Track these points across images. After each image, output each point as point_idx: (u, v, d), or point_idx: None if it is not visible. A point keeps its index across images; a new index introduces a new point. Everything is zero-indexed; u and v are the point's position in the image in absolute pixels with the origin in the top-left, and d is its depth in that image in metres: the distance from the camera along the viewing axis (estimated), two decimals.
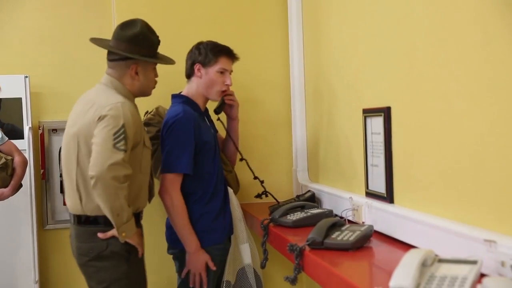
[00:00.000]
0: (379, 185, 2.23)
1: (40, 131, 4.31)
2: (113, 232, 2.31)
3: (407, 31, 2.02)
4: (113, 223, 2.26)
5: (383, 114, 2.17)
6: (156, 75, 2.55)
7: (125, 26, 2.45)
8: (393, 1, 2.12)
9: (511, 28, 1.47)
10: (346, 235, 1.97)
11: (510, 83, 1.48)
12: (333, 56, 2.81)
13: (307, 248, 1.96)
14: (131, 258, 2.39)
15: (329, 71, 2.86)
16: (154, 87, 2.57)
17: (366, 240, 2.01)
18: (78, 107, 2.43)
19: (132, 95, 2.47)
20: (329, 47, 2.86)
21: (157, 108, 2.90)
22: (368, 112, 2.32)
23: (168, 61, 2.58)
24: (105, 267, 2.36)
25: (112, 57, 2.46)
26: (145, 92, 2.53)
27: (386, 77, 2.20)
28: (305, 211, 2.55)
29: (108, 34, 2.68)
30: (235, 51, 2.78)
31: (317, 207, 2.66)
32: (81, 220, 2.39)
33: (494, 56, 1.54)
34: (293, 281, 1.98)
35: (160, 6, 3.29)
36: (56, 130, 4.35)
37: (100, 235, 2.34)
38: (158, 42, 2.53)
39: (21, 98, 4.14)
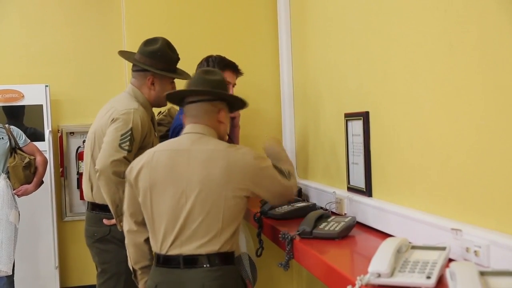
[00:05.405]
0: (359, 181, 2.23)
1: (59, 134, 4.30)
2: (115, 220, 2.32)
3: (382, 46, 2.02)
4: (112, 213, 2.27)
5: (362, 118, 2.17)
6: (173, 89, 2.46)
7: (148, 42, 2.44)
8: (370, 21, 2.12)
9: (472, 41, 1.48)
10: (332, 226, 1.96)
11: (470, 91, 1.49)
12: (318, 67, 2.81)
13: (297, 238, 1.94)
14: None
15: (315, 80, 2.86)
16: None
17: (350, 230, 1.99)
18: (102, 110, 2.46)
19: (149, 103, 2.46)
20: (315, 59, 2.86)
21: (169, 110, 2.90)
22: (349, 116, 2.32)
23: (185, 76, 2.50)
24: (107, 250, 2.40)
25: (135, 68, 2.48)
26: (160, 102, 2.50)
27: (365, 86, 2.20)
28: (291, 204, 2.51)
29: (118, 49, 2.67)
30: None
31: (302, 201, 2.62)
32: (91, 207, 2.44)
33: (458, 66, 1.54)
34: (285, 266, 1.95)
35: (165, 24, 3.28)
36: (73, 133, 4.35)
37: (105, 221, 2.38)
38: (177, 59, 2.48)
39: (42, 105, 4.14)
